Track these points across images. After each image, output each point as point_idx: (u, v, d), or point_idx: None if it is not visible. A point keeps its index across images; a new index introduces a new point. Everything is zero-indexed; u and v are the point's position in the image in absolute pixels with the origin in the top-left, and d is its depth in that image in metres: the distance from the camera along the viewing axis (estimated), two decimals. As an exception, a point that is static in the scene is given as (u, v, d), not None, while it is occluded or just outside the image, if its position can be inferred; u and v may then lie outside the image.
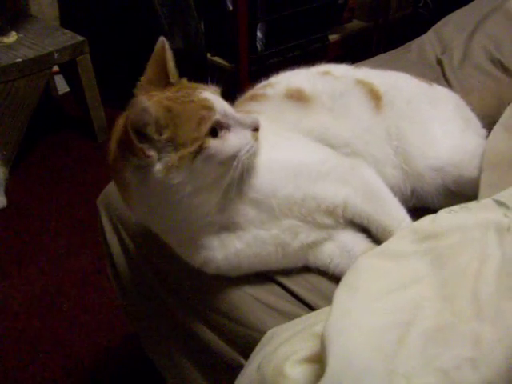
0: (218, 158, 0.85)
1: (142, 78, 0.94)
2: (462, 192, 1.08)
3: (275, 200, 0.94)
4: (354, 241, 1.00)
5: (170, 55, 0.93)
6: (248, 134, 0.88)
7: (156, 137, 0.81)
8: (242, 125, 0.88)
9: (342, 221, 1.00)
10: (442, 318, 0.68)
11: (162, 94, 0.87)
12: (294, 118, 1.08)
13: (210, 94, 0.88)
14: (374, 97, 1.13)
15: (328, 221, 0.99)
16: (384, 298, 0.72)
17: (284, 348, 0.76)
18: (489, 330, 0.65)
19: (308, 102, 1.10)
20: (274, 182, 0.95)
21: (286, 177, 0.96)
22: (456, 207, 0.85)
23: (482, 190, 1.02)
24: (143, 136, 0.80)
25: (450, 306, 0.69)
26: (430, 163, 1.08)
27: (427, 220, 0.84)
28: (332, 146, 1.06)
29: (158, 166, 0.82)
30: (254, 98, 1.14)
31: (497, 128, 1.12)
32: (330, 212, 0.98)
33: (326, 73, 1.17)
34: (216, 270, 0.96)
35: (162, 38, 0.93)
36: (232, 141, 0.86)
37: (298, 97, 1.10)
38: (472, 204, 0.86)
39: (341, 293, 0.74)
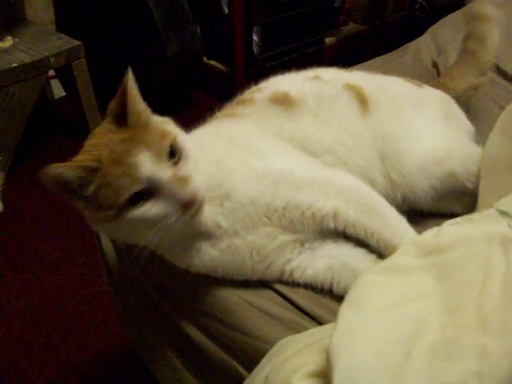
0: (138, 226, 0.84)
1: (109, 107, 0.89)
2: (444, 190, 1.08)
3: (253, 208, 0.93)
4: (357, 258, 0.95)
5: (132, 93, 0.85)
6: (177, 208, 0.83)
7: (80, 191, 0.82)
8: (170, 198, 0.82)
9: (331, 232, 0.97)
10: (448, 331, 0.67)
11: (107, 137, 0.84)
12: (278, 123, 1.06)
13: (144, 158, 0.81)
14: (361, 100, 1.13)
15: (312, 231, 0.96)
16: (388, 313, 0.71)
17: (293, 361, 0.75)
18: (495, 343, 0.65)
19: (293, 105, 1.09)
20: (252, 189, 0.93)
21: (265, 184, 0.93)
22: (459, 219, 0.85)
23: (482, 196, 1.01)
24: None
25: (455, 320, 0.68)
26: (416, 163, 1.08)
27: (431, 234, 0.83)
28: (314, 155, 1.05)
29: (87, 214, 0.85)
30: (241, 103, 1.13)
31: (493, 132, 1.12)
32: (318, 222, 0.95)
33: (316, 77, 1.17)
34: (198, 272, 0.97)
35: (127, 72, 0.86)
36: (153, 212, 0.82)
37: (282, 100, 1.09)
38: (475, 215, 0.86)
39: (345, 309, 0.74)
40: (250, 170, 0.94)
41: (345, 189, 0.97)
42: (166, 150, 0.83)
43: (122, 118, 0.84)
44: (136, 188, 0.80)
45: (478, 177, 1.09)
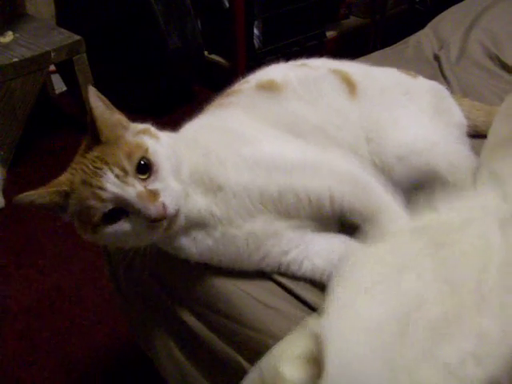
0: (115, 239, 0.87)
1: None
2: (422, 182, 1.07)
3: (247, 196, 0.93)
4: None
5: (98, 110, 0.85)
6: (146, 224, 0.84)
7: (62, 209, 0.86)
8: (140, 215, 0.83)
9: (329, 224, 0.97)
10: (445, 310, 0.67)
11: (83, 156, 0.86)
12: (265, 107, 1.07)
13: (109, 178, 0.82)
14: (348, 84, 1.14)
15: (309, 217, 0.96)
16: (381, 289, 0.70)
17: (280, 347, 0.75)
18: (493, 324, 0.64)
19: (279, 90, 1.10)
20: (245, 178, 0.93)
21: (257, 172, 0.94)
22: (453, 196, 0.84)
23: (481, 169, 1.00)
24: None
25: (453, 298, 0.68)
26: (397, 151, 1.08)
27: (425, 212, 0.82)
28: (303, 134, 1.04)
29: (75, 224, 0.88)
30: (230, 94, 1.14)
31: (498, 116, 1.11)
32: (314, 206, 0.95)
33: (303, 65, 1.19)
34: (197, 261, 0.98)
35: (89, 89, 0.85)
36: (124, 229, 0.84)
37: (268, 86, 1.10)
38: (469, 193, 0.85)
39: (335, 287, 0.73)
40: (241, 158, 0.95)
41: (339, 172, 0.97)
42: (134, 166, 0.84)
43: (96, 134, 0.85)
44: (104, 209, 0.82)
45: (462, 171, 1.08)
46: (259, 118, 1.05)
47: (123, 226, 0.84)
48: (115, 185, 0.82)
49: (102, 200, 0.81)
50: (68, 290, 1.90)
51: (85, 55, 2.45)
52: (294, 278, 0.98)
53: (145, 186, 0.84)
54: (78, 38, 2.42)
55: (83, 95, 2.51)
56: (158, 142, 0.90)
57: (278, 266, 0.98)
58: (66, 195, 0.84)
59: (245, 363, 0.95)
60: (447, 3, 2.06)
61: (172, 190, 0.86)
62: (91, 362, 1.67)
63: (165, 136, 0.94)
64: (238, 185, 0.93)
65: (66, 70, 2.53)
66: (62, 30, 2.49)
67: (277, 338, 0.87)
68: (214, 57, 2.97)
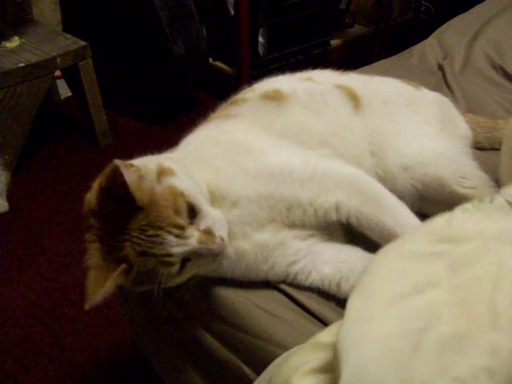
0: None
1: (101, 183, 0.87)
2: (428, 192, 1.08)
3: (258, 208, 0.93)
4: (366, 262, 0.93)
5: (131, 181, 0.80)
6: (213, 258, 0.89)
7: None
8: (205, 255, 0.87)
9: (336, 224, 0.97)
10: (459, 324, 0.67)
11: (117, 222, 0.84)
12: (270, 117, 1.07)
13: (171, 243, 0.82)
14: (353, 98, 1.15)
15: (314, 226, 0.97)
16: (399, 304, 0.70)
17: (292, 359, 0.75)
18: (506, 340, 0.64)
19: (284, 99, 1.10)
20: (253, 190, 0.94)
21: (264, 183, 0.94)
22: (469, 206, 0.83)
23: None
24: None
25: (467, 313, 0.68)
26: (401, 161, 1.08)
27: (442, 220, 0.81)
28: (308, 146, 1.05)
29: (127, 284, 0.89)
30: (234, 103, 1.14)
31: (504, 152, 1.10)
32: (320, 217, 0.96)
33: (308, 78, 1.19)
34: (207, 275, 0.99)
35: (115, 167, 0.79)
36: (193, 272, 0.90)
37: (274, 96, 1.11)
38: (486, 204, 0.84)
39: (354, 298, 0.73)
40: (249, 174, 0.95)
41: (345, 180, 0.98)
42: (186, 218, 0.84)
43: (127, 200, 0.81)
44: (174, 270, 0.84)
45: (469, 182, 1.08)
46: (264, 128, 1.05)
47: (190, 271, 0.87)
48: (179, 245, 0.82)
49: (170, 264, 0.83)
50: (70, 295, 1.90)
51: (90, 61, 2.46)
52: (300, 287, 0.99)
53: (198, 229, 0.85)
54: (83, 43, 2.43)
55: (88, 100, 2.52)
56: (177, 177, 0.88)
57: (285, 276, 0.99)
58: (127, 271, 0.83)
59: (248, 370, 0.95)
60: (452, 13, 2.07)
61: (217, 219, 0.88)
62: (94, 366, 1.66)
63: (172, 163, 0.92)
64: (249, 198, 0.93)
65: (72, 75, 2.54)
66: (68, 35, 2.50)
67: (280, 346, 0.87)
68: (218, 64, 2.98)
